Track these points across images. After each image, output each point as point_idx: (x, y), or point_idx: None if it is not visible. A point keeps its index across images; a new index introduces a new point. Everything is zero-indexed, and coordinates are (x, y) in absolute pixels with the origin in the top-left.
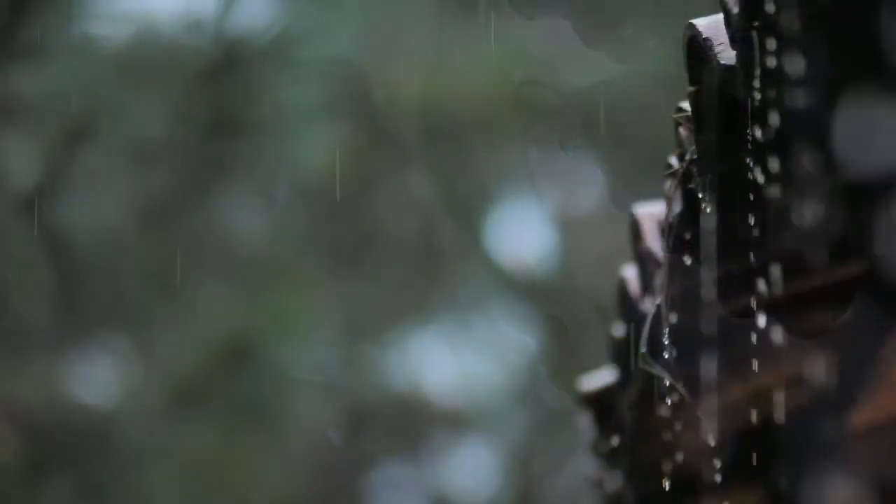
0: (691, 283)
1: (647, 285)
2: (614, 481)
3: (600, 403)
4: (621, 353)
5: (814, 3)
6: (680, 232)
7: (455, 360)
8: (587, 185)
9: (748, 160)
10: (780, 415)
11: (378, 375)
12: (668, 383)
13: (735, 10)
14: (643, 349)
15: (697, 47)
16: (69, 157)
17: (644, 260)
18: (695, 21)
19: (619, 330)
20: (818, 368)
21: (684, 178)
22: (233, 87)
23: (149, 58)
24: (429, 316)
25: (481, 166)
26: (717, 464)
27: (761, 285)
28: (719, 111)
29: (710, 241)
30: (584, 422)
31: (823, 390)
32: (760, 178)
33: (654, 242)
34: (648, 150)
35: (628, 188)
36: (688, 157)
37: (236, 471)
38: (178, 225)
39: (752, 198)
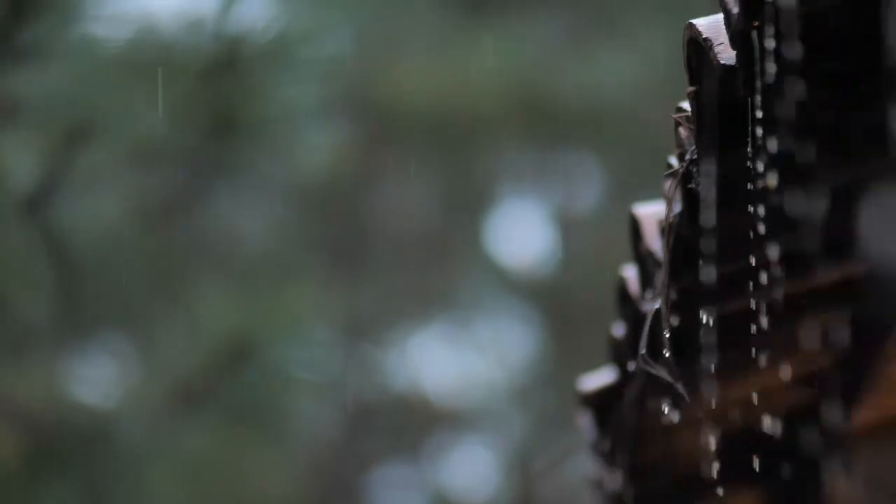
0: (691, 283)
1: (647, 285)
2: (614, 481)
3: (600, 403)
4: (621, 353)
5: (814, 3)
6: (680, 232)
7: (455, 360)
8: (587, 185)
9: (748, 160)
10: (779, 414)
11: (378, 375)
12: (668, 383)
13: (735, 10)
14: (643, 349)
15: (697, 47)
16: (69, 157)
17: (644, 260)
18: (695, 21)
19: (619, 330)
20: (818, 368)
21: (684, 178)
22: (233, 87)
23: (149, 58)
24: (429, 316)
25: (482, 166)
26: (717, 463)
27: (761, 285)
28: (719, 111)
29: (710, 241)
30: (584, 422)
31: (823, 390)
32: (760, 178)
33: (654, 242)
34: (648, 150)
35: (628, 188)
36: (688, 157)
37: (236, 470)
38: (179, 225)
39: (751, 198)
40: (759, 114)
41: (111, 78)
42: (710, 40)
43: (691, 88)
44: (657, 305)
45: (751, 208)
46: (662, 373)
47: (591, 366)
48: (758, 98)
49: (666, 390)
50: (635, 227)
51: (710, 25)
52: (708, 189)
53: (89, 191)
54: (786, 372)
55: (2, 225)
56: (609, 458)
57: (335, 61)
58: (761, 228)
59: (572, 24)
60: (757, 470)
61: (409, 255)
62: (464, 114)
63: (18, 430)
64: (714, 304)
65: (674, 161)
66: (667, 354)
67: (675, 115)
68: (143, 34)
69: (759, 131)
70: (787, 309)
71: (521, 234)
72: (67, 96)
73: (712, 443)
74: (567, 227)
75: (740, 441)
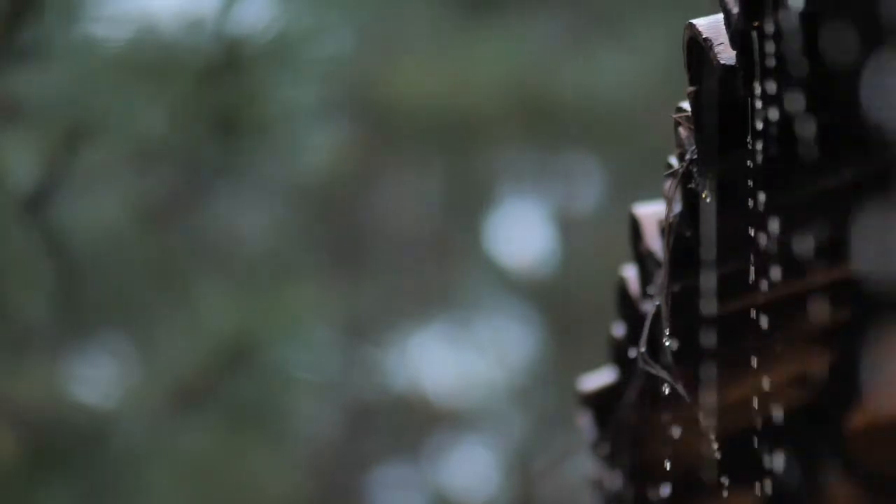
0: (691, 283)
1: (647, 285)
2: (614, 481)
3: (600, 403)
4: (621, 353)
5: (814, 3)
6: (680, 232)
7: (455, 360)
8: (587, 185)
9: (748, 160)
10: (779, 415)
11: (378, 375)
12: (668, 383)
13: (735, 10)
14: (643, 349)
15: (697, 47)
16: (69, 158)
17: (644, 260)
18: (695, 21)
19: (619, 330)
20: (817, 368)
21: (684, 178)
22: (233, 87)
23: (149, 58)
24: (429, 316)
25: (482, 166)
26: (717, 464)
27: (761, 285)
28: (719, 111)
29: (710, 241)
30: (584, 422)
31: (823, 390)
32: (760, 178)
33: (654, 242)
34: (648, 150)
35: (628, 188)
36: (688, 157)
37: (236, 471)
38: (178, 225)
39: (751, 198)
40: (759, 114)
41: (111, 78)
42: (710, 40)
43: (691, 88)
44: (657, 305)
45: (751, 208)
46: (662, 373)
47: (591, 366)
48: (758, 98)
49: (666, 390)
50: (635, 227)
51: (710, 25)
52: (708, 189)
53: (89, 191)
54: (786, 372)
55: (2, 225)
56: (609, 458)
57: (335, 61)
58: (761, 228)
59: (572, 24)
60: (757, 470)
61: (409, 255)
62: (464, 114)
63: (18, 430)
64: (714, 305)
65: (674, 161)
66: (667, 354)
67: (675, 115)
68: (143, 34)
69: (759, 131)
70: (786, 309)
71: (521, 234)
72: (67, 96)
73: (712, 443)
74: (567, 227)
75: (740, 441)
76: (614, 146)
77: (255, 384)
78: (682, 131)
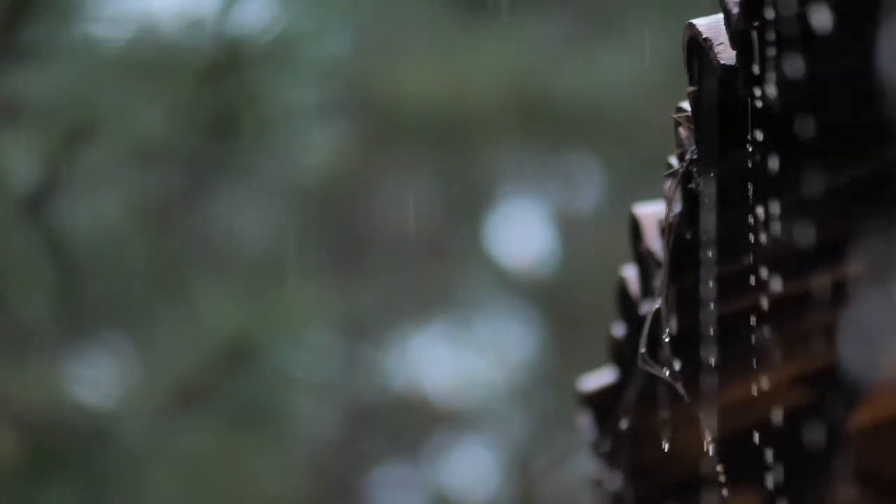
0: (691, 283)
1: (647, 285)
2: (614, 481)
3: (600, 403)
4: (621, 353)
5: (814, 3)
6: (680, 232)
7: (455, 360)
8: (587, 185)
9: (748, 160)
10: (779, 414)
11: (378, 375)
12: (668, 383)
13: (735, 10)
14: (643, 349)
15: (697, 47)
16: (69, 158)
17: (644, 260)
18: (695, 21)
19: (619, 330)
20: (818, 368)
21: (684, 178)
22: (233, 88)
23: (149, 58)
24: (429, 316)
25: (482, 166)
26: (717, 464)
27: (761, 285)
28: (719, 111)
29: (710, 241)
30: (584, 422)
31: (823, 390)
32: (760, 178)
33: (654, 242)
34: (648, 150)
35: (628, 188)
36: (688, 157)
37: (236, 471)
38: (179, 225)
39: (751, 198)
40: (759, 114)
41: (111, 78)
42: (710, 40)
43: (691, 88)
44: (657, 305)
45: (750, 208)
46: (662, 373)
47: (591, 366)
48: (758, 98)
49: (666, 390)
50: (635, 227)
51: (710, 25)
52: (708, 189)
53: (89, 191)
54: (786, 372)
55: (2, 225)
56: (609, 458)
57: (335, 61)
58: (761, 228)
59: (572, 24)
60: (757, 470)
61: (409, 255)
62: (464, 114)
63: (18, 430)
64: (714, 305)
65: (674, 161)
66: (667, 354)
67: (675, 115)
68: (143, 34)
69: (759, 131)
70: (786, 309)
71: (521, 234)
72: (67, 96)
73: (712, 443)
74: (567, 227)
75: (740, 441)
76: (614, 146)
77: (255, 384)
78: (682, 131)
